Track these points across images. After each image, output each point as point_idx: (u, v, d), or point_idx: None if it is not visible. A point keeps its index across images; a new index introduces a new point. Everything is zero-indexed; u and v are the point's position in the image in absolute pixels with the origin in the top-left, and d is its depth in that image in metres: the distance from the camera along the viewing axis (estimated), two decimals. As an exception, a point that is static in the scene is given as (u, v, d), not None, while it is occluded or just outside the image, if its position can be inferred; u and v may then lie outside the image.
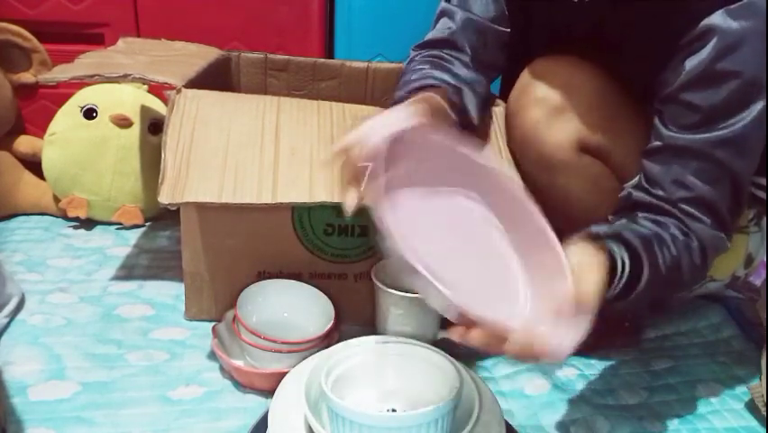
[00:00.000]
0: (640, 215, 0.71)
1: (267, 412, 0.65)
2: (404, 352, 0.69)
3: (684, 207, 0.71)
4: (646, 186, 0.73)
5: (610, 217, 0.74)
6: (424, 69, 0.81)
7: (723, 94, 0.69)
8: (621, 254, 0.64)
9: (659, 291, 0.71)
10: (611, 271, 0.62)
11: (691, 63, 0.69)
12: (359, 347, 0.69)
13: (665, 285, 0.70)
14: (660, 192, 0.71)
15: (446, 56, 0.84)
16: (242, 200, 0.78)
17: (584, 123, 0.77)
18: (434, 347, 0.68)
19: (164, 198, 0.77)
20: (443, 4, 0.87)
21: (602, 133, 0.78)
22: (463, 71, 0.83)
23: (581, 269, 0.58)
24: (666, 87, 0.72)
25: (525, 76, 0.81)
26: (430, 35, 0.87)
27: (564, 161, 0.78)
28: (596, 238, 0.64)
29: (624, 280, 0.64)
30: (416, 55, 0.87)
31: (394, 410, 0.67)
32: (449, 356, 0.67)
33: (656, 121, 0.74)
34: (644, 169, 0.74)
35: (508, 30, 0.86)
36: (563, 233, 0.87)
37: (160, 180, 0.78)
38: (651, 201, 0.72)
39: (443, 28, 0.86)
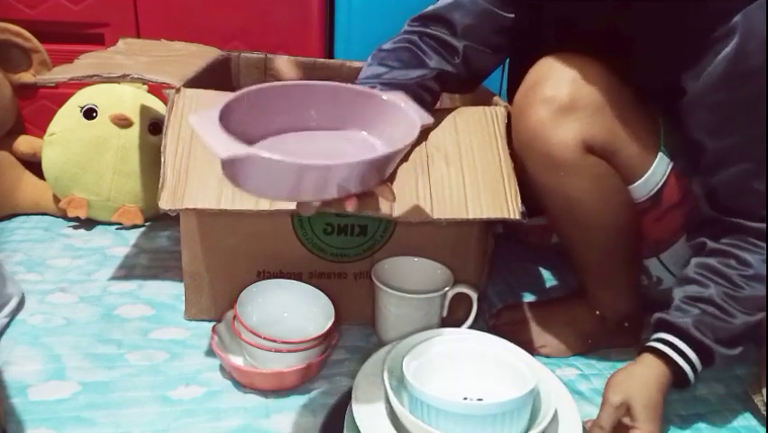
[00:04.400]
0: (710, 247, 0.75)
1: (350, 390, 0.67)
2: (482, 346, 0.70)
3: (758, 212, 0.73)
4: (710, 204, 0.76)
5: (687, 242, 0.80)
6: (392, 64, 0.83)
7: (754, 90, 0.69)
8: (689, 359, 0.73)
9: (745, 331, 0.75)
10: (680, 375, 0.73)
11: (718, 62, 0.69)
12: (438, 338, 0.70)
13: (749, 324, 0.74)
14: (727, 207, 0.74)
15: (427, 41, 0.85)
16: (241, 207, 0.78)
17: (591, 123, 0.77)
18: (512, 344, 0.69)
19: (164, 203, 0.77)
20: None
21: (609, 134, 0.78)
22: (434, 61, 0.84)
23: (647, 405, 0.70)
24: (691, 86, 0.72)
25: (531, 74, 0.80)
26: (429, 8, 0.88)
27: (569, 161, 0.78)
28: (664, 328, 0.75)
29: (699, 370, 0.74)
30: (404, 32, 0.88)
31: (465, 399, 0.67)
32: (527, 353, 0.68)
33: (693, 130, 0.74)
34: (703, 185, 0.76)
35: (512, 15, 0.85)
36: (568, 234, 0.87)
37: (159, 185, 0.78)
38: (721, 219, 0.75)
39: (443, 3, 0.87)
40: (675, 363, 0.73)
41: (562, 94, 0.76)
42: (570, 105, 0.76)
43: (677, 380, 0.74)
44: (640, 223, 0.85)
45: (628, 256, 0.87)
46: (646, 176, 0.81)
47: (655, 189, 0.81)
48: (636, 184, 0.81)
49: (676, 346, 0.73)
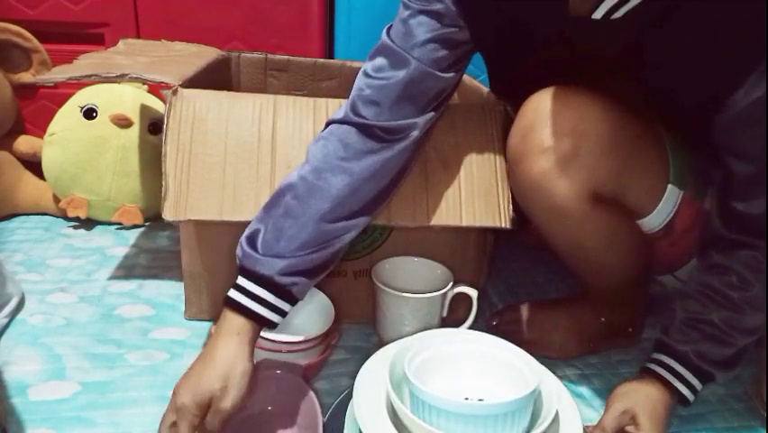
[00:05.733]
0: (715, 260, 0.72)
1: (351, 389, 0.66)
2: (483, 346, 0.70)
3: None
4: (725, 223, 0.71)
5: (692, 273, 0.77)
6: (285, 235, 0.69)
7: None
8: (688, 382, 0.72)
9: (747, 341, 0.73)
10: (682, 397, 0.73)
11: None
12: (438, 338, 0.70)
13: (750, 336, 0.72)
14: (744, 228, 0.69)
15: (334, 178, 0.71)
16: (242, 218, 0.79)
17: (596, 169, 0.73)
18: (513, 345, 0.69)
19: (168, 215, 0.79)
20: (385, 40, 0.75)
21: (616, 177, 0.74)
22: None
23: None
24: (735, 105, 0.65)
25: (526, 115, 0.75)
26: (357, 98, 0.74)
27: (575, 211, 0.75)
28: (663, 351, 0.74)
29: (698, 391, 0.73)
30: (314, 158, 0.72)
31: (466, 399, 0.67)
32: (527, 354, 0.68)
33: (737, 145, 0.67)
34: (724, 205, 0.70)
35: (452, 75, 0.75)
36: (575, 271, 0.86)
37: (162, 195, 0.80)
38: (732, 237, 0.70)
39: (376, 84, 0.73)
40: (674, 386, 0.72)
41: (562, 143, 0.72)
42: (572, 155, 0.72)
43: (677, 399, 0.73)
44: (651, 253, 0.84)
45: (637, 281, 0.87)
46: (657, 209, 0.78)
47: (667, 220, 0.79)
48: (648, 218, 0.79)
49: (676, 371, 0.72)
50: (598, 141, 0.72)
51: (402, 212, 0.83)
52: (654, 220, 0.79)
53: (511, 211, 0.84)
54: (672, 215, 0.79)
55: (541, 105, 0.74)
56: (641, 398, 0.71)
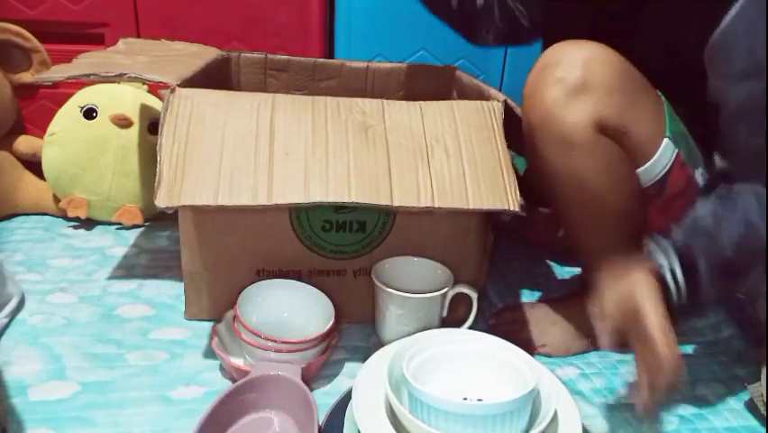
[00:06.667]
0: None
1: (350, 390, 0.67)
2: (482, 346, 0.70)
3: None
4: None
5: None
6: None
7: None
8: (668, 263, 0.72)
9: (741, 267, 0.72)
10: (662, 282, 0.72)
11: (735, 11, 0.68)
12: (438, 338, 0.70)
13: (743, 259, 0.71)
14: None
15: None
16: (239, 202, 0.77)
17: (603, 103, 0.77)
18: (512, 345, 0.69)
19: (161, 201, 0.77)
20: None
21: (620, 115, 0.79)
22: None
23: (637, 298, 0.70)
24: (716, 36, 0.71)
25: (542, 58, 0.81)
26: None
27: (581, 141, 0.78)
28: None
29: (680, 283, 0.72)
30: None
31: (465, 399, 0.68)
32: (526, 354, 0.68)
33: (714, 80, 0.73)
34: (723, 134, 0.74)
35: None
36: (576, 218, 0.87)
37: (156, 184, 0.78)
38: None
39: None
40: (657, 261, 0.72)
41: (574, 75, 0.77)
42: (582, 86, 0.77)
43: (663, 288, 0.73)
44: (646, 212, 0.85)
45: (634, 245, 0.87)
46: (653, 159, 0.81)
47: (661, 174, 0.82)
48: (644, 168, 0.82)
49: (659, 243, 0.73)
50: (606, 76, 0.78)
51: (406, 195, 0.80)
52: (651, 171, 0.82)
53: (519, 196, 0.83)
54: (666, 170, 0.82)
55: (557, 50, 0.80)
56: (632, 285, 0.71)
